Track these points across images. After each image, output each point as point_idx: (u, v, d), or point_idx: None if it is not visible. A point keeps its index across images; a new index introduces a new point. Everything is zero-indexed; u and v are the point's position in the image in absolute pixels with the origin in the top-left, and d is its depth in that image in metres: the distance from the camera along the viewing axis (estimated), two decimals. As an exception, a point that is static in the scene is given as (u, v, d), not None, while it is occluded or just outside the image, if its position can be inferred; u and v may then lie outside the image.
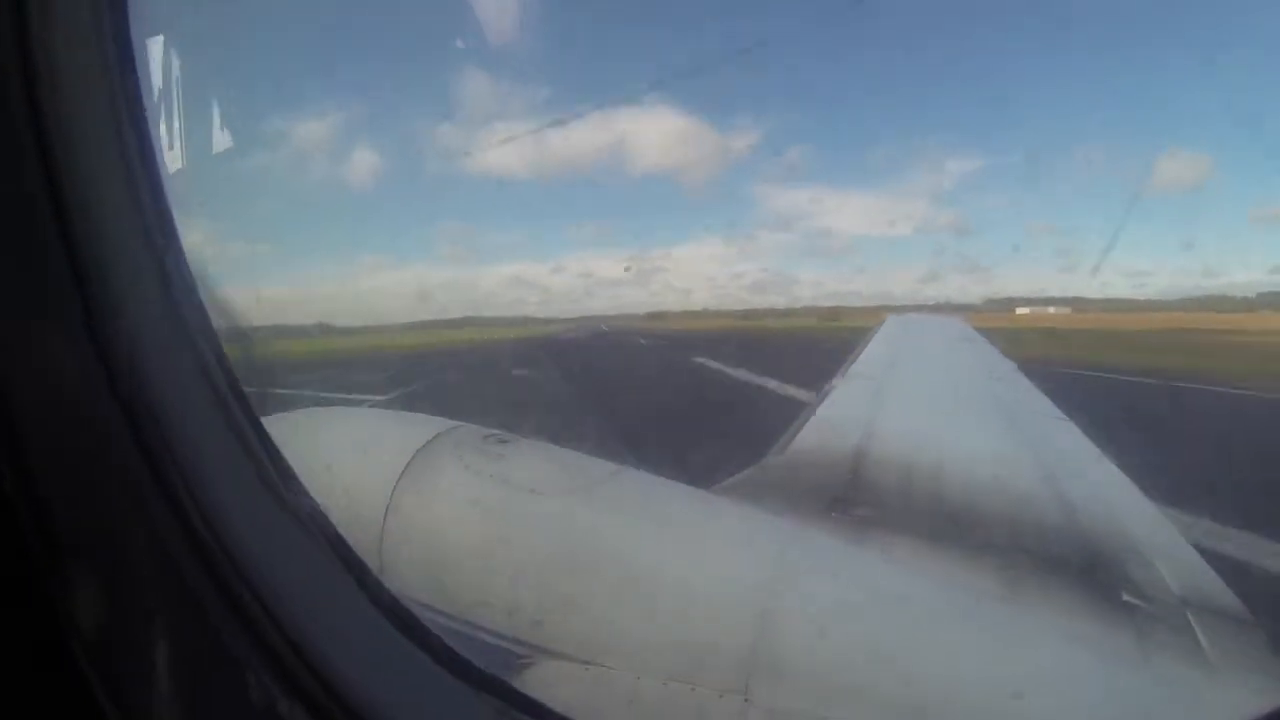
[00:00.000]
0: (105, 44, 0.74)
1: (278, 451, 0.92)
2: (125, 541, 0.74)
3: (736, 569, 1.54)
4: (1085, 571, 1.91)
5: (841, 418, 3.64)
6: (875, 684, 1.33)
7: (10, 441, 0.68)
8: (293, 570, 0.86)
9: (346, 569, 0.94)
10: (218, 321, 0.89)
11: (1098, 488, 2.76)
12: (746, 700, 1.31)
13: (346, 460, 1.70)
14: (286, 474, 0.92)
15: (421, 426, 1.85)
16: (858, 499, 2.35)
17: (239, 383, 0.88)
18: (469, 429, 1.87)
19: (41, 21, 0.66)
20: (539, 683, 1.36)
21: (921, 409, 4.08)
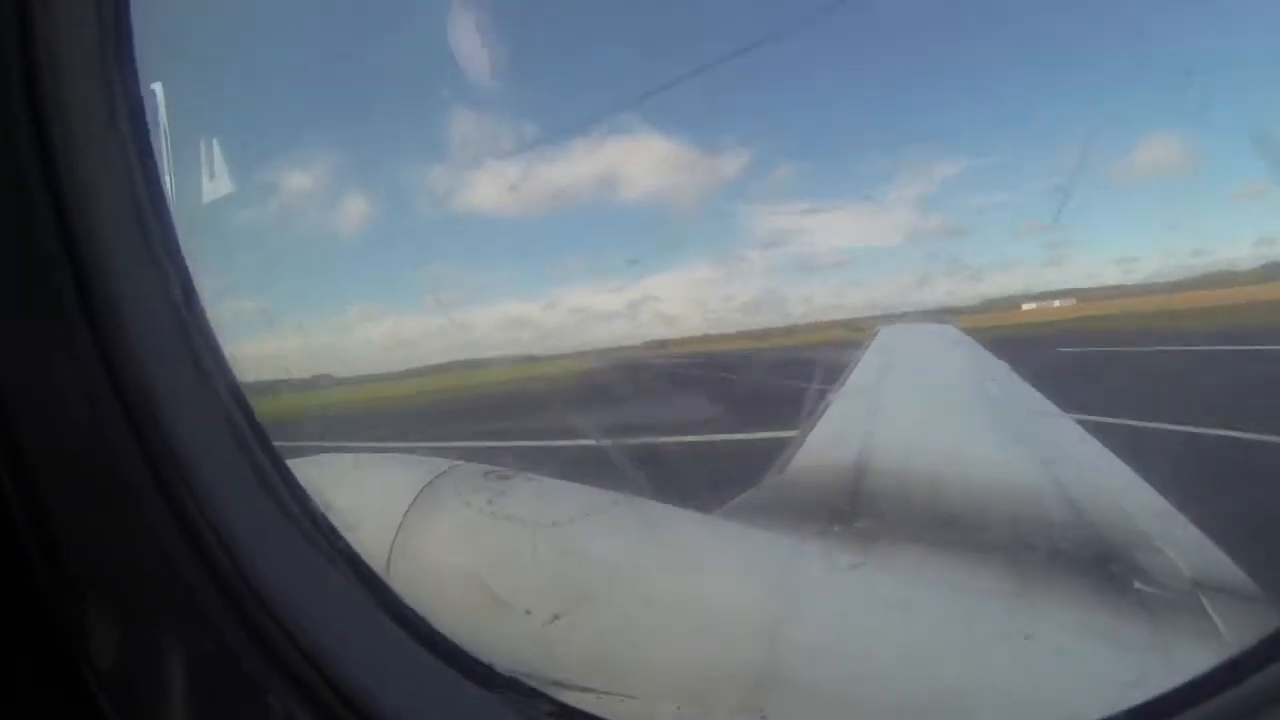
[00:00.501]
0: (110, 82, 0.76)
1: (287, 468, 0.92)
2: (132, 557, 0.74)
3: (744, 589, 1.53)
4: (1095, 564, 1.91)
5: (839, 432, 3.65)
6: (891, 691, 1.32)
7: (19, 475, 0.69)
8: (304, 582, 0.85)
9: (361, 582, 0.94)
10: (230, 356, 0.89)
11: (1100, 480, 2.76)
12: (762, 718, 1.30)
13: (346, 506, 1.70)
14: (296, 489, 0.92)
15: (419, 468, 1.84)
16: (860, 511, 2.35)
17: (246, 400, 0.89)
18: (468, 467, 1.87)
19: (48, 56, 0.69)
20: None
21: (918, 416, 4.09)
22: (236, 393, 0.88)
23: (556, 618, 1.50)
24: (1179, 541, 2.07)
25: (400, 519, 1.64)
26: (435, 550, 1.62)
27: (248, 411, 0.88)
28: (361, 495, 1.77)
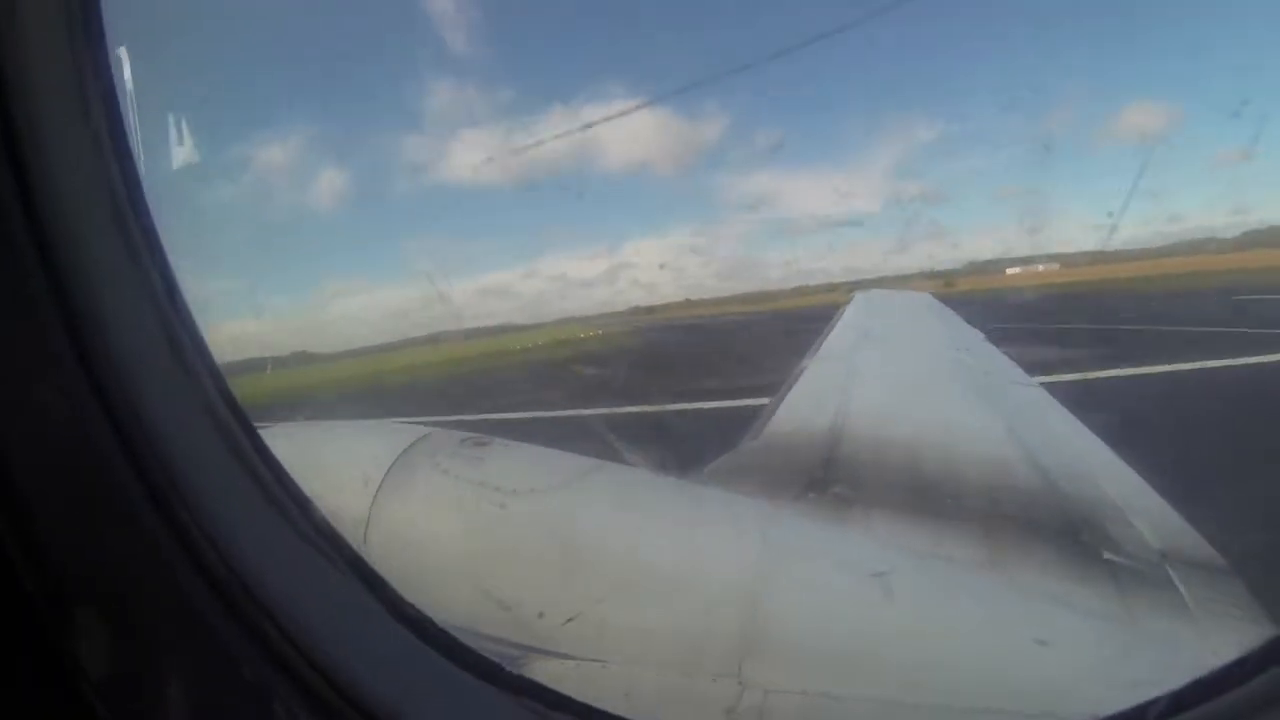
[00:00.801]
0: (81, 76, 0.73)
1: (280, 466, 0.91)
2: (122, 561, 0.73)
3: (720, 555, 1.53)
4: (1065, 533, 1.94)
5: (815, 399, 3.65)
6: (864, 657, 1.34)
7: (2, 481, 0.67)
8: (301, 582, 0.84)
9: (359, 579, 0.93)
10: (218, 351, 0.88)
11: (1071, 450, 2.81)
12: (740, 683, 1.31)
13: (320, 476, 1.65)
14: (292, 490, 0.90)
15: (395, 435, 1.80)
16: (835, 478, 2.36)
17: (233, 398, 0.87)
18: (444, 434, 1.83)
19: (13, 53, 0.67)
20: None
21: (892, 384, 4.12)
22: (223, 389, 0.86)
23: (535, 586, 1.49)
24: (1148, 512, 2.12)
25: (375, 489, 1.61)
26: (413, 520, 1.60)
27: (235, 408, 0.87)
28: (335, 465, 1.73)
